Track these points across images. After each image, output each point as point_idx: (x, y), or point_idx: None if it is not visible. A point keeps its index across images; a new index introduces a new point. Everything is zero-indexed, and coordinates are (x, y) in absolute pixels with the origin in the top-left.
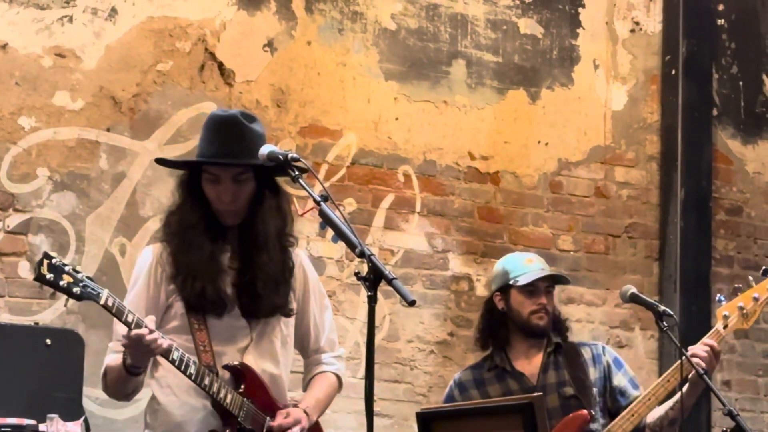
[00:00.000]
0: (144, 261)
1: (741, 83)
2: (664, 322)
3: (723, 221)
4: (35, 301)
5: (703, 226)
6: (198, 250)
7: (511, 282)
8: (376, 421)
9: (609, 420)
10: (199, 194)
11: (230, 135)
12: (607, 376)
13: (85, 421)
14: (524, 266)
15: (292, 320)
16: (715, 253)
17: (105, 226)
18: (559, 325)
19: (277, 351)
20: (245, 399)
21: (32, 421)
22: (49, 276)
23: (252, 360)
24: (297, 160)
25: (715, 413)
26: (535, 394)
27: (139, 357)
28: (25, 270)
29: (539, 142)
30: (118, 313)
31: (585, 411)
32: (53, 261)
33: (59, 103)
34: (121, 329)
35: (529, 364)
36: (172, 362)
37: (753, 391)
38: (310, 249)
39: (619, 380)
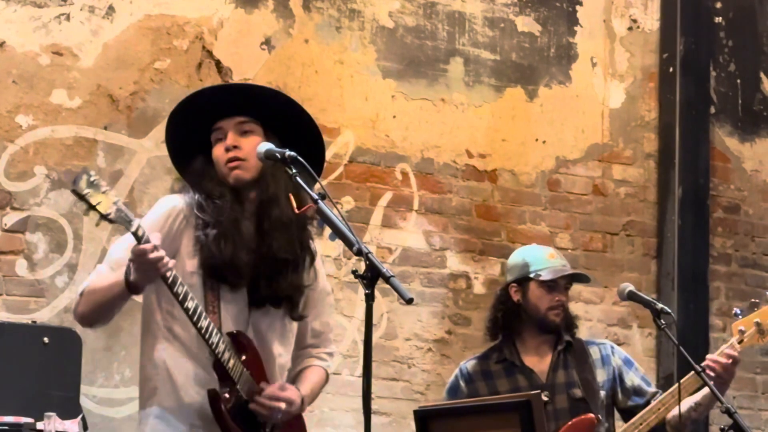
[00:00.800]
0: (166, 204)
1: (739, 81)
2: (662, 320)
3: (721, 219)
4: (33, 300)
5: (701, 223)
6: (228, 210)
7: (531, 275)
8: (374, 419)
9: (612, 422)
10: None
11: (233, 87)
12: (617, 378)
13: (83, 419)
14: (547, 261)
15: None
16: (713, 250)
17: (102, 225)
18: (569, 322)
19: (276, 342)
20: (245, 369)
21: (30, 420)
22: (87, 191)
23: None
24: (294, 157)
25: (713, 411)
26: (533, 392)
27: (144, 276)
28: (22, 268)
29: (537, 139)
30: (146, 242)
31: (593, 415)
32: (92, 178)
33: (57, 101)
34: (117, 254)
35: (540, 360)
36: (176, 296)
37: (751, 388)
38: None
39: (632, 379)
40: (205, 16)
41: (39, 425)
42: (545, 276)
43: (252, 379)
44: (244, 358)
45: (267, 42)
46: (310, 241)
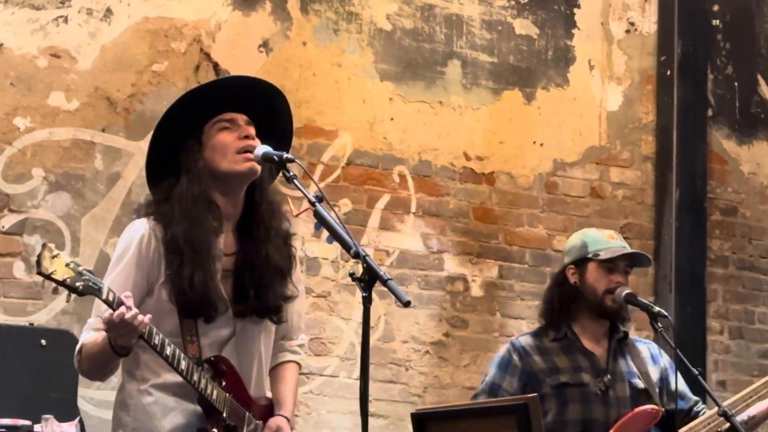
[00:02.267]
0: (134, 234)
1: (736, 83)
2: (659, 323)
3: (718, 221)
4: (30, 302)
5: (698, 226)
6: (200, 228)
7: (590, 255)
8: (371, 421)
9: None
10: (198, 169)
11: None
12: (664, 379)
13: (80, 421)
14: (606, 241)
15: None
16: (710, 253)
17: (100, 227)
18: (625, 313)
19: (260, 346)
20: (228, 394)
21: (27, 422)
22: (52, 270)
23: (231, 353)
24: (292, 160)
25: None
26: (530, 395)
27: (125, 338)
28: (20, 270)
29: (534, 142)
30: (118, 306)
31: (658, 407)
32: (54, 254)
33: (54, 103)
34: (105, 306)
35: (597, 345)
36: (154, 347)
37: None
38: (305, 249)
39: (679, 384)
40: (203, 19)
41: (36, 428)
42: (604, 255)
43: (235, 402)
44: (224, 383)
45: (265, 44)
46: (293, 250)
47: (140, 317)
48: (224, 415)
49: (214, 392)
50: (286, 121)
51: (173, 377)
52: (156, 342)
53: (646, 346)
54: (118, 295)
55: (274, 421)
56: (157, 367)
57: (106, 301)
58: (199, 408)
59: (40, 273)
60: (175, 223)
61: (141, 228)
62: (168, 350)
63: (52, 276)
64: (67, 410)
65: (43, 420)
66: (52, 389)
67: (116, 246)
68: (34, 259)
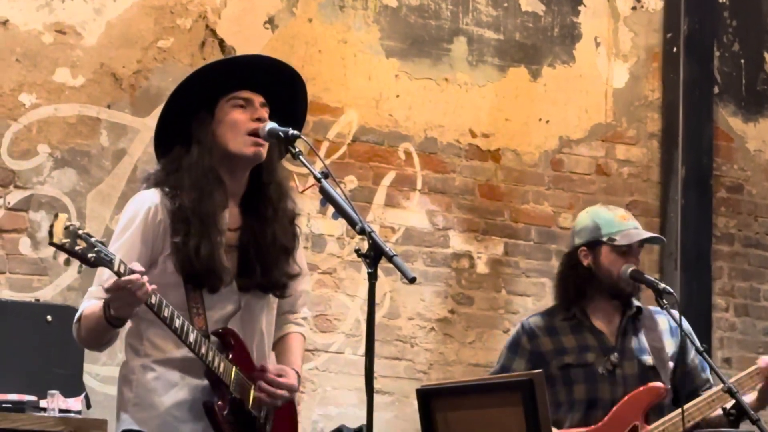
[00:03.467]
0: (140, 205)
1: (742, 61)
2: (664, 300)
3: (724, 199)
4: (36, 278)
5: (704, 203)
6: (208, 199)
7: (604, 239)
8: (377, 398)
9: (672, 398)
10: (209, 141)
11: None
12: (683, 351)
13: (86, 397)
14: (620, 223)
15: None
16: (716, 230)
17: (106, 203)
18: (638, 288)
19: (263, 321)
20: (234, 367)
21: (33, 397)
22: (65, 241)
23: (237, 327)
24: (298, 137)
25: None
26: (536, 371)
27: (125, 307)
28: (26, 246)
29: (540, 119)
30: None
31: (663, 385)
32: (67, 225)
33: (60, 79)
34: (108, 274)
35: (608, 323)
36: (164, 320)
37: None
38: (311, 226)
39: (692, 358)
40: None
41: (42, 403)
42: (620, 241)
43: (241, 375)
44: (230, 356)
45: (270, 21)
46: (298, 229)
47: (146, 286)
48: (231, 388)
49: (221, 365)
50: (301, 107)
51: (177, 352)
52: (166, 314)
53: (666, 319)
54: (129, 266)
55: (282, 366)
56: (161, 342)
57: (117, 273)
58: (203, 383)
59: (52, 243)
60: (184, 192)
61: (148, 199)
62: (177, 323)
63: (65, 246)
64: (73, 386)
65: (49, 395)
66: (57, 365)
67: (121, 215)
68: (40, 234)
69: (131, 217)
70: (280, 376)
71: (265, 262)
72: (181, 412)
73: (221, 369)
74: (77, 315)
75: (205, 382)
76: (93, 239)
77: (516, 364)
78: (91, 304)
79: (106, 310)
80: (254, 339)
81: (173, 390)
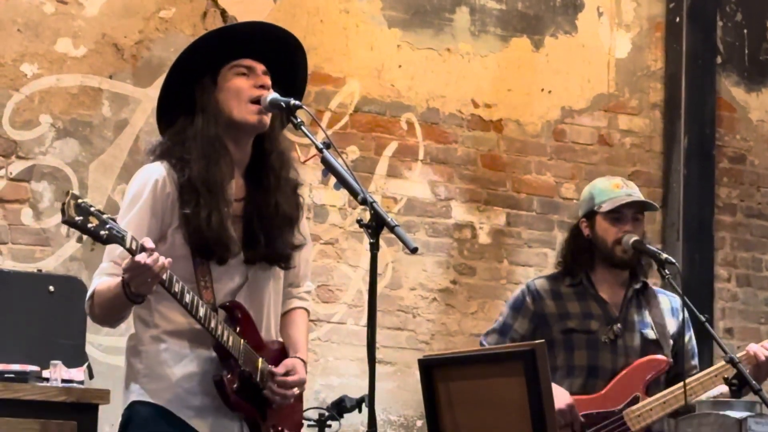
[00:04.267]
0: (148, 178)
1: (745, 31)
2: (666, 270)
3: (726, 169)
4: (38, 248)
5: (706, 174)
6: (216, 168)
7: (596, 208)
8: (379, 368)
9: (668, 375)
10: (213, 109)
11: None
12: (680, 333)
13: (89, 367)
14: (610, 191)
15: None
16: (718, 201)
17: (108, 174)
18: (641, 261)
19: (270, 293)
20: (243, 340)
21: (36, 368)
22: (78, 218)
23: (244, 300)
24: (299, 107)
25: (717, 361)
26: (538, 341)
27: (145, 285)
28: (28, 217)
29: (542, 89)
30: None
31: (666, 358)
32: (79, 202)
33: (61, 50)
34: (120, 250)
35: (613, 294)
36: (174, 295)
37: (755, 338)
38: (313, 196)
39: (686, 342)
40: None
41: (45, 373)
42: (606, 207)
43: (249, 348)
44: (238, 329)
45: None
46: (301, 199)
47: (162, 260)
48: (240, 361)
49: (230, 338)
50: (302, 76)
51: (187, 324)
52: (176, 290)
53: (668, 299)
54: (140, 242)
55: (290, 361)
56: (170, 313)
57: (129, 250)
58: (212, 354)
59: (65, 221)
60: (192, 162)
61: (155, 172)
62: (187, 297)
63: (78, 224)
64: (76, 356)
65: (52, 366)
66: (60, 335)
67: (128, 188)
68: (42, 205)
69: (139, 191)
70: (288, 373)
71: (269, 232)
72: (192, 384)
73: (230, 342)
74: (89, 292)
75: (207, 356)
76: (105, 216)
77: (518, 323)
78: (103, 280)
79: (126, 289)
80: (262, 311)
81: (183, 362)
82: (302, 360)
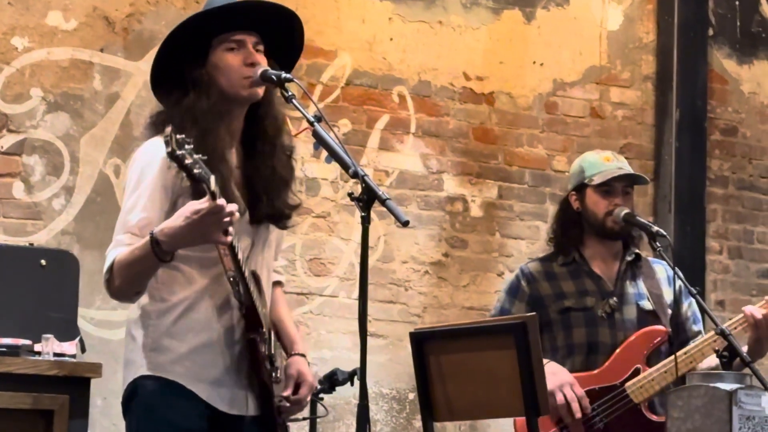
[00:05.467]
0: (152, 155)
1: (737, 3)
2: (658, 243)
3: (718, 141)
4: (30, 222)
5: (698, 146)
6: (212, 136)
7: (586, 181)
8: (370, 341)
9: (668, 344)
10: (205, 83)
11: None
12: (677, 301)
13: (81, 341)
14: (601, 164)
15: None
16: (710, 173)
17: (99, 147)
18: (632, 231)
19: (268, 259)
20: (264, 308)
21: (28, 341)
22: (180, 153)
23: (251, 266)
24: (290, 80)
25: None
26: (529, 314)
27: (198, 237)
28: (19, 191)
29: (534, 62)
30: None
31: (664, 328)
32: (179, 137)
33: (52, 23)
34: (135, 218)
35: (607, 268)
36: (232, 249)
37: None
38: (305, 170)
39: (685, 310)
40: None
41: (37, 347)
42: (597, 180)
43: (268, 317)
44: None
45: None
46: (294, 164)
47: (235, 208)
48: (263, 329)
49: (260, 305)
50: (297, 44)
51: (193, 294)
52: (241, 257)
53: (663, 267)
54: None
55: (294, 367)
56: (177, 286)
57: (212, 193)
58: (221, 327)
59: (171, 155)
60: (187, 133)
61: (159, 147)
62: (247, 272)
63: (179, 158)
64: (68, 330)
65: (44, 339)
66: (52, 309)
67: (132, 165)
68: (34, 178)
69: (145, 166)
70: (298, 386)
71: (269, 193)
72: (202, 357)
73: (260, 309)
74: (107, 265)
75: (224, 326)
76: (197, 156)
77: (516, 307)
78: (122, 251)
79: (154, 246)
80: (263, 274)
81: (191, 334)
82: (303, 356)
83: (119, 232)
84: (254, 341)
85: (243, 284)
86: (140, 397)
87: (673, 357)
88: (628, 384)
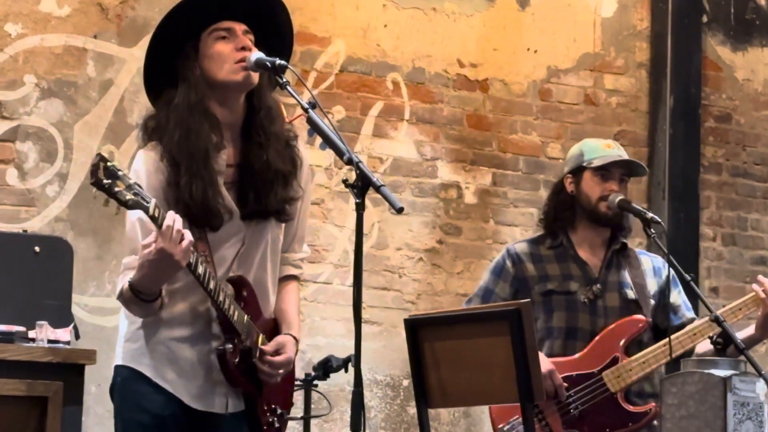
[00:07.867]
0: (139, 169)
1: None
2: (652, 230)
3: (712, 128)
4: (23, 209)
5: (692, 133)
6: (195, 137)
7: (584, 164)
8: (365, 328)
9: (652, 334)
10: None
11: None
12: (663, 291)
13: (75, 328)
14: (602, 150)
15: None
16: (704, 160)
17: (93, 134)
18: (623, 222)
19: (267, 256)
20: (246, 315)
21: (21, 328)
22: (107, 182)
23: (244, 266)
24: (285, 67)
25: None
26: (523, 300)
27: (162, 272)
28: (13, 177)
29: (528, 49)
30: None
31: (645, 317)
32: (108, 165)
33: (46, 9)
34: (137, 240)
35: (593, 255)
36: (198, 277)
37: (740, 297)
38: None
39: (675, 298)
40: None
41: (31, 334)
42: (597, 162)
43: (251, 323)
44: (242, 304)
45: None
46: (297, 151)
47: (189, 235)
48: (242, 337)
49: (236, 313)
50: (286, 31)
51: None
52: (200, 272)
53: (649, 259)
54: (163, 212)
55: (281, 338)
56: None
57: (152, 218)
58: (195, 325)
59: (94, 184)
60: (167, 135)
61: (142, 163)
62: (200, 269)
63: (105, 187)
64: (62, 317)
65: (38, 326)
66: (46, 296)
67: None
68: (27, 165)
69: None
70: (277, 351)
71: (258, 187)
72: (172, 351)
73: (235, 317)
74: (118, 291)
75: (200, 323)
76: (131, 181)
77: (499, 287)
78: (128, 276)
79: (138, 295)
80: (258, 273)
81: (164, 328)
82: (294, 338)
83: (126, 253)
84: (223, 353)
85: (211, 298)
86: (117, 386)
87: (652, 348)
88: (605, 372)
